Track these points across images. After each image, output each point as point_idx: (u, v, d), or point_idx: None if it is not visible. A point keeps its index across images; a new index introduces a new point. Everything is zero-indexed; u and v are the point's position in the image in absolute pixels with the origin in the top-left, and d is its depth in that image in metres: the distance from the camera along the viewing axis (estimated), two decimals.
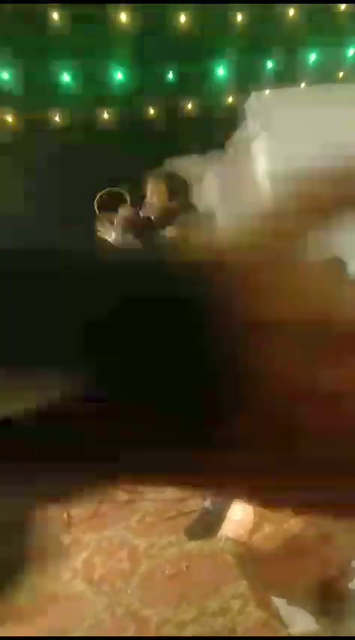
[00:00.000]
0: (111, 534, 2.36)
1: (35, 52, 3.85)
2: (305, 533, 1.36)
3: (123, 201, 2.49)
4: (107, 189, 2.54)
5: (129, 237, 2.30)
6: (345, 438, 0.17)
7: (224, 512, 1.94)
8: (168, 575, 1.89)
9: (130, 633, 1.58)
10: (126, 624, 1.63)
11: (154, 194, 2.40)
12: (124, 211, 2.41)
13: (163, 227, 2.35)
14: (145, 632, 1.57)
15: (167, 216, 2.36)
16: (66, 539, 2.39)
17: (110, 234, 2.46)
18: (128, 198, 2.49)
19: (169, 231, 2.27)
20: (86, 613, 1.73)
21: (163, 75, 4.30)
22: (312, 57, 4.50)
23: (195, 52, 4.22)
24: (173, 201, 2.37)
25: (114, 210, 2.44)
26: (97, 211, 2.55)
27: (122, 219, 2.39)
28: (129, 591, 1.83)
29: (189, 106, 4.78)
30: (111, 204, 2.47)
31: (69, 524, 2.55)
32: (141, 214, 2.43)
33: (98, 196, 2.54)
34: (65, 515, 2.59)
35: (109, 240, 2.49)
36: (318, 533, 1.37)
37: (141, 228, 2.37)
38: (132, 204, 2.46)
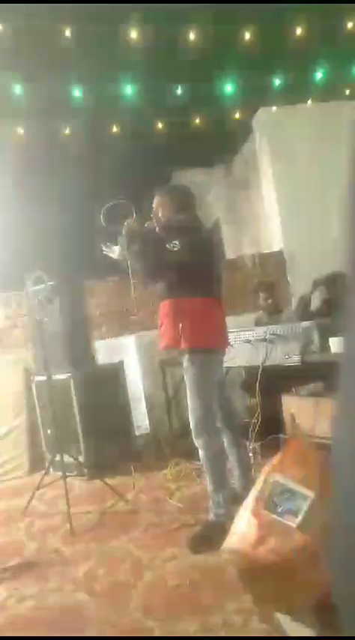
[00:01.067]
0: (114, 545, 2.36)
1: (46, 67, 3.93)
2: (309, 547, 1.36)
3: (129, 213, 2.53)
4: (113, 202, 2.57)
5: (135, 248, 2.34)
6: None
7: (227, 524, 1.94)
8: (170, 588, 1.89)
9: None
10: (128, 635, 1.63)
11: (160, 207, 2.45)
12: (130, 223, 2.45)
13: (170, 239, 2.39)
14: None
15: (173, 229, 2.40)
16: (69, 550, 2.39)
17: (113, 251, 2.51)
18: (134, 210, 2.53)
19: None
20: (88, 624, 1.73)
21: (172, 90, 4.37)
22: (319, 74, 4.56)
23: (203, 68, 4.30)
24: (179, 214, 2.41)
25: (121, 222, 2.48)
26: (104, 223, 2.58)
27: (128, 230, 2.43)
28: (131, 603, 1.83)
29: (197, 120, 4.84)
30: (117, 217, 2.51)
31: (72, 534, 2.56)
32: (147, 226, 2.47)
33: (104, 208, 2.57)
34: (68, 526, 2.60)
35: (113, 256, 2.54)
36: (321, 548, 1.37)
37: (148, 239, 2.41)
38: (139, 217, 2.50)
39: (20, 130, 4.36)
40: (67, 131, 4.54)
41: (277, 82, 4.54)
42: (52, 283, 3.33)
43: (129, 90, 4.24)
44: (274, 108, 5.24)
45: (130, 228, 2.44)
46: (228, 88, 4.44)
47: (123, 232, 2.44)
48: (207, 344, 2.33)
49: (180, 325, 2.29)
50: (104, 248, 2.59)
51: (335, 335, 2.67)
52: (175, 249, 2.24)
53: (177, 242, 2.26)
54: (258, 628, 1.55)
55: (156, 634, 1.61)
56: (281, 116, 5.29)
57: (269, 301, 3.95)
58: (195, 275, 2.30)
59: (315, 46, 4.24)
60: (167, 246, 2.27)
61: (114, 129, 4.67)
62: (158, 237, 2.40)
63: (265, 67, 4.44)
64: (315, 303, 3.98)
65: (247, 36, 3.92)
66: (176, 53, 4.01)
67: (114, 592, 1.93)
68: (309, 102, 5.16)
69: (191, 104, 4.58)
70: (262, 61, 4.31)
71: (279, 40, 4.09)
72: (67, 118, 4.49)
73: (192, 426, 2.34)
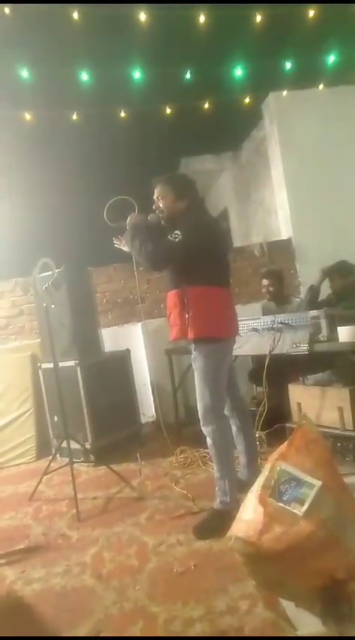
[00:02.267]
0: (120, 531, 2.38)
1: (53, 51, 3.88)
2: (314, 535, 1.35)
3: (131, 208, 2.53)
4: (115, 199, 2.57)
5: (137, 243, 2.34)
6: None
7: (233, 512, 1.94)
8: (176, 573, 1.91)
9: (138, 628, 1.59)
10: (134, 620, 1.65)
11: (161, 197, 2.43)
12: (132, 219, 2.46)
13: (173, 227, 2.37)
14: (153, 628, 1.59)
15: (175, 218, 2.39)
16: (75, 535, 2.42)
17: (123, 244, 2.54)
18: (136, 205, 2.53)
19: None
20: (94, 607, 1.75)
21: (181, 74, 4.30)
22: (331, 58, 4.46)
23: (213, 52, 4.22)
24: (179, 202, 2.39)
25: (124, 218, 2.49)
26: (107, 221, 2.59)
27: (131, 225, 2.44)
28: (137, 587, 1.85)
29: (206, 105, 4.77)
30: (120, 213, 2.51)
31: (78, 519, 2.58)
32: (150, 219, 2.46)
33: (107, 206, 2.57)
34: (74, 511, 2.63)
35: (125, 249, 2.56)
36: (327, 537, 1.36)
37: (151, 231, 2.40)
38: (141, 211, 2.49)
39: (27, 115, 4.32)
40: (75, 116, 4.49)
41: (288, 65, 4.44)
42: (59, 270, 3.32)
43: (137, 74, 4.17)
44: (284, 92, 5.14)
45: (133, 223, 2.44)
46: (238, 72, 4.35)
47: (127, 227, 2.44)
48: (215, 333, 2.32)
49: (187, 315, 2.28)
50: (115, 241, 2.60)
51: (343, 324, 2.65)
52: (177, 239, 2.22)
53: (178, 232, 2.23)
54: (262, 614, 1.56)
55: (161, 619, 1.62)
56: (291, 101, 5.19)
57: (277, 290, 3.92)
58: (200, 264, 2.28)
59: (327, 30, 4.14)
60: (169, 237, 2.25)
61: (123, 113, 4.61)
62: (161, 229, 2.39)
63: (275, 50, 4.34)
64: (324, 292, 3.95)
65: (258, 19, 3.84)
66: (185, 36, 3.94)
67: (119, 576, 1.94)
68: (320, 86, 5.06)
69: (200, 89, 4.51)
70: (272, 45, 4.21)
71: (290, 23, 4.00)
72: (74, 103, 4.44)
73: (200, 414, 2.34)
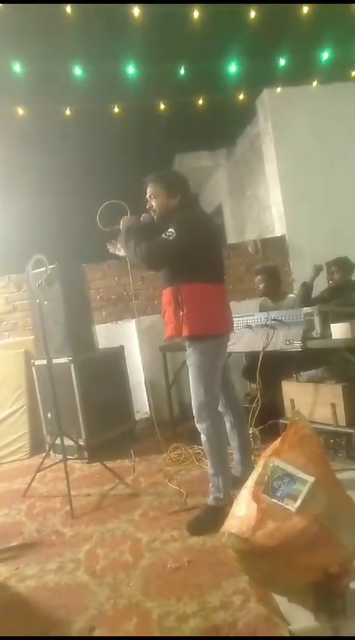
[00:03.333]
0: (114, 527, 2.39)
1: (47, 45, 3.85)
2: (307, 531, 1.36)
3: (124, 211, 2.53)
4: (106, 203, 2.57)
5: (132, 244, 2.34)
6: None
7: (227, 508, 1.95)
8: (170, 569, 1.91)
9: (132, 625, 1.60)
10: (128, 615, 1.65)
11: (152, 196, 2.43)
12: (125, 222, 2.46)
13: (167, 224, 2.38)
14: (147, 624, 1.59)
15: (169, 214, 2.39)
16: (69, 531, 2.42)
17: (119, 248, 2.55)
18: (128, 208, 2.53)
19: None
20: (88, 603, 1.76)
21: (175, 69, 4.28)
22: (325, 55, 4.46)
23: (207, 47, 4.20)
24: (171, 199, 2.39)
25: (117, 222, 2.49)
26: (100, 226, 2.59)
27: (124, 227, 2.44)
28: (131, 584, 1.85)
29: (200, 101, 4.76)
30: (113, 217, 2.52)
31: (72, 516, 2.58)
32: (143, 219, 2.46)
33: (99, 211, 2.57)
34: (68, 508, 2.62)
35: (119, 254, 2.58)
36: (320, 532, 1.37)
37: (147, 231, 2.40)
38: (134, 211, 2.49)
39: (20, 110, 4.28)
40: (68, 111, 4.46)
41: (282, 62, 4.44)
42: (52, 267, 3.31)
43: (131, 70, 4.15)
44: (279, 89, 5.14)
45: (126, 225, 2.43)
46: (232, 68, 4.34)
47: (120, 229, 2.44)
48: (210, 331, 2.32)
49: (181, 313, 2.28)
50: (109, 246, 2.61)
51: (336, 321, 2.66)
52: (171, 237, 2.22)
53: (172, 230, 2.23)
54: (255, 609, 1.57)
55: (155, 615, 1.63)
56: (285, 98, 5.19)
57: (272, 286, 3.93)
58: (194, 261, 2.27)
59: (321, 27, 4.14)
60: (163, 236, 2.24)
61: (116, 109, 4.59)
62: (154, 228, 2.38)
63: (270, 47, 4.34)
64: (317, 289, 3.96)
65: (252, 15, 3.83)
66: (179, 32, 3.92)
67: (113, 573, 1.95)
68: (314, 83, 5.06)
69: (194, 85, 4.49)
70: (267, 41, 4.21)
71: (284, 20, 4.00)
72: (67, 98, 4.41)
73: (194, 410, 2.35)
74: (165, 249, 2.24)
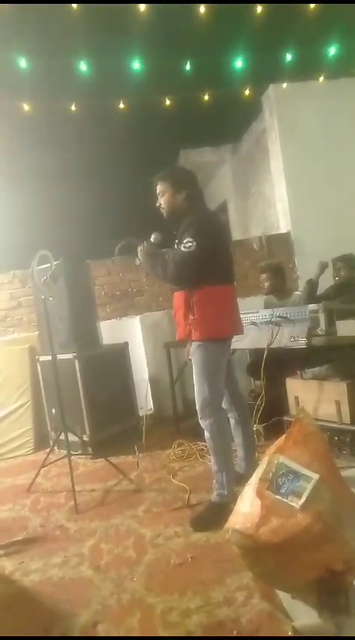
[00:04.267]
0: (117, 523, 2.39)
1: (52, 40, 3.84)
2: (311, 528, 1.36)
3: (140, 243, 2.56)
4: (123, 241, 2.59)
5: (159, 269, 2.35)
6: None
7: (230, 504, 1.95)
8: (173, 565, 1.92)
9: (136, 620, 1.60)
10: (131, 611, 1.66)
11: (161, 194, 2.44)
12: (143, 250, 2.45)
13: (176, 221, 2.39)
14: (150, 619, 1.60)
15: (176, 210, 2.40)
16: (73, 526, 2.43)
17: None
18: (138, 241, 2.56)
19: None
20: (92, 598, 1.76)
21: (180, 65, 4.26)
22: (332, 50, 4.42)
23: (213, 43, 4.18)
24: (178, 195, 2.40)
25: (129, 251, 2.54)
26: (118, 255, 2.63)
27: (145, 257, 2.43)
28: (135, 579, 1.86)
29: (206, 97, 4.73)
30: (130, 249, 2.57)
31: (76, 511, 2.59)
32: (154, 239, 2.48)
33: (116, 249, 2.60)
34: (72, 503, 2.64)
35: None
36: (324, 529, 1.37)
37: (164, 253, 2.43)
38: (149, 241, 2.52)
39: (25, 106, 4.28)
40: (73, 107, 4.45)
41: (288, 57, 4.41)
42: (57, 263, 3.31)
43: (136, 65, 4.14)
44: (285, 85, 5.11)
45: (145, 252, 2.44)
46: (238, 63, 4.31)
47: (141, 259, 2.46)
48: (219, 334, 2.34)
49: (192, 317, 2.28)
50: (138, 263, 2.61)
51: (342, 318, 2.65)
52: (192, 248, 2.21)
53: (190, 239, 2.23)
54: (259, 605, 1.57)
55: (159, 610, 1.64)
56: (292, 93, 5.16)
57: (277, 284, 3.91)
58: (210, 265, 2.27)
59: (328, 22, 4.10)
60: (183, 249, 2.24)
61: (121, 105, 4.58)
62: (173, 247, 2.39)
63: (276, 42, 4.31)
64: (322, 286, 3.95)
65: (258, 10, 3.80)
66: (185, 27, 3.90)
67: (117, 568, 1.96)
68: (321, 79, 5.03)
69: (200, 80, 4.47)
70: (273, 36, 4.18)
71: (291, 15, 3.96)
72: (73, 94, 4.40)
73: (197, 407, 2.35)
74: (191, 261, 2.24)
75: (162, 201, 2.44)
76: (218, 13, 3.79)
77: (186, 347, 2.43)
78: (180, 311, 2.37)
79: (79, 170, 5.77)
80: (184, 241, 2.24)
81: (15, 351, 4.20)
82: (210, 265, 2.27)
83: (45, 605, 1.79)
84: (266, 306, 3.88)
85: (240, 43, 4.23)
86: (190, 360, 2.44)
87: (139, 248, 2.46)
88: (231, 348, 2.54)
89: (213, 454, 2.36)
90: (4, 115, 4.43)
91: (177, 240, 2.36)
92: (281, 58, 4.42)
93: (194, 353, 2.35)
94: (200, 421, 2.36)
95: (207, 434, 2.35)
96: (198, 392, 2.34)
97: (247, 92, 4.83)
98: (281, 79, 5.04)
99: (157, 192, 2.45)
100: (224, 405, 2.47)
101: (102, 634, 1.57)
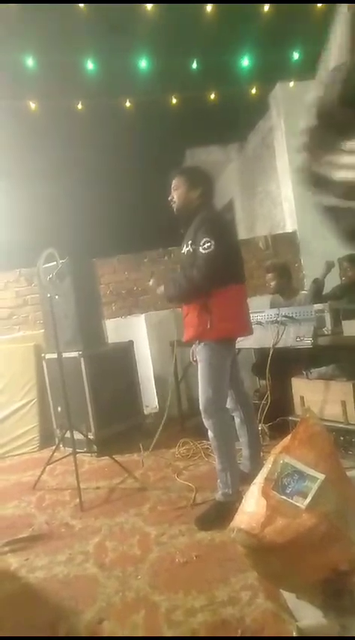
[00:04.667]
0: (122, 521, 2.40)
1: (59, 40, 3.85)
2: (317, 528, 1.36)
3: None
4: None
5: (179, 286, 2.37)
6: None
7: (235, 504, 1.95)
8: (178, 564, 1.92)
9: (140, 617, 1.61)
10: (136, 608, 1.66)
11: (175, 187, 2.45)
12: (155, 288, 2.55)
13: (185, 217, 2.41)
14: (155, 617, 1.60)
15: (187, 206, 2.41)
16: (78, 524, 2.44)
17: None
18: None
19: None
20: (97, 595, 1.77)
21: (187, 63, 4.26)
22: None
23: (219, 42, 4.17)
24: (191, 192, 2.40)
25: None
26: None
27: (161, 292, 2.52)
28: (139, 577, 1.86)
29: (212, 95, 4.73)
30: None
31: (81, 508, 2.60)
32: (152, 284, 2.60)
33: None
34: (77, 501, 2.64)
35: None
36: (330, 530, 1.37)
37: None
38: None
39: (32, 105, 4.29)
40: (80, 106, 4.46)
41: (295, 56, 4.39)
42: (63, 261, 3.31)
43: (143, 64, 4.14)
44: (292, 83, 5.09)
45: (157, 288, 2.53)
46: (245, 62, 4.31)
47: (161, 294, 2.53)
48: (233, 334, 2.36)
49: (208, 317, 2.28)
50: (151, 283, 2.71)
51: (348, 318, 2.64)
52: (211, 249, 2.20)
53: (207, 239, 2.22)
54: (263, 605, 1.57)
55: (163, 608, 1.64)
56: (299, 92, 5.14)
57: (283, 283, 3.90)
58: (226, 264, 2.27)
59: (336, 19, 4.08)
60: (202, 251, 2.23)
61: (128, 103, 4.58)
62: (189, 256, 2.36)
63: (283, 40, 4.29)
64: (328, 285, 3.93)
65: (265, 8, 3.79)
66: (191, 26, 3.90)
67: (122, 566, 1.96)
68: None
69: (206, 79, 4.47)
70: (280, 35, 4.17)
71: (298, 13, 3.95)
72: (79, 92, 4.41)
73: (202, 406, 2.35)
74: (213, 262, 2.22)
75: (174, 195, 2.45)
76: (224, 12, 3.79)
77: (191, 348, 2.43)
78: (193, 312, 2.35)
79: (85, 169, 5.78)
80: (201, 242, 2.23)
81: (21, 349, 4.22)
82: (227, 264, 2.27)
83: (50, 601, 1.80)
84: (272, 305, 3.87)
85: (247, 42, 4.22)
86: (195, 361, 2.44)
87: (158, 288, 2.54)
88: (236, 347, 2.54)
89: (216, 453, 2.36)
90: (11, 114, 4.44)
91: (190, 241, 2.33)
92: (289, 57, 4.41)
93: (199, 352, 2.35)
94: (204, 420, 2.36)
95: (210, 433, 2.35)
96: (202, 391, 2.34)
97: (254, 91, 4.82)
98: (288, 78, 5.02)
99: (172, 185, 2.46)
100: (229, 404, 2.47)
101: (107, 631, 1.57)
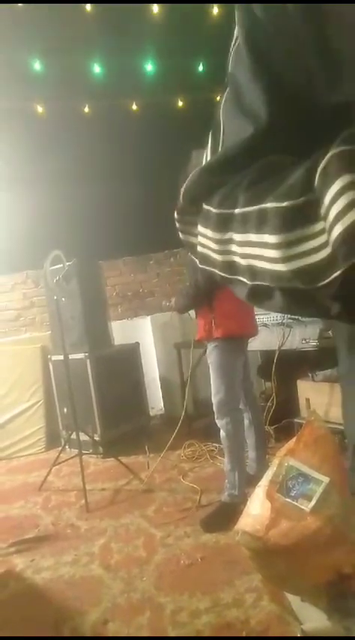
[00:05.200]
0: (128, 522, 2.41)
1: (66, 43, 3.88)
2: (321, 531, 1.36)
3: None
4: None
5: (186, 294, 2.41)
6: None
7: (241, 506, 1.95)
8: (183, 565, 1.93)
9: (145, 618, 1.61)
10: (141, 609, 1.67)
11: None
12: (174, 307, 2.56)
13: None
14: (160, 618, 1.61)
15: None
16: (84, 525, 2.45)
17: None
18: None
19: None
20: (102, 596, 1.78)
21: (193, 66, 4.27)
22: None
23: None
24: None
25: None
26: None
27: (177, 306, 2.55)
28: (144, 578, 1.87)
29: (219, 97, 4.73)
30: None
31: (87, 510, 2.62)
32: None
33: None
34: (83, 502, 2.66)
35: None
36: (334, 532, 1.37)
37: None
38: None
39: (39, 107, 4.32)
40: (86, 108, 4.49)
41: None
42: (69, 263, 3.33)
43: (149, 66, 4.16)
44: None
45: (174, 305, 2.55)
46: None
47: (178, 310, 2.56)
48: (238, 332, 2.36)
49: (212, 316, 2.30)
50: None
51: None
52: None
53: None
54: (268, 607, 1.57)
55: (168, 609, 1.65)
56: None
57: None
58: None
59: None
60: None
61: (134, 106, 4.60)
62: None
63: None
64: None
65: None
66: (198, 27, 3.91)
67: (127, 567, 1.97)
68: None
69: (213, 80, 4.47)
70: None
71: (307, 2, 3.95)
72: (86, 95, 4.43)
73: (214, 407, 2.36)
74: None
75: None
76: (231, 13, 3.79)
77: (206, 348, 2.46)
78: (200, 313, 2.40)
79: (91, 171, 5.80)
80: None
81: (27, 351, 4.24)
82: None
83: (55, 602, 1.81)
84: None
85: None
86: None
87: (172, 306, 2.56)
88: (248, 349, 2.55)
89: (226, 453, 2.37)
90: (17, 116, 4.47)
91: None
92: None
93: (210, 354, 2.37)
94: (216, 420, 2.37)
95: (222, 433, 2.36)
96: (214, 392, 2.35)
97: None
98: None
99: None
100: (240, 405, 2.47)
101: (111, 632, 1.58)
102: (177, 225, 0.58)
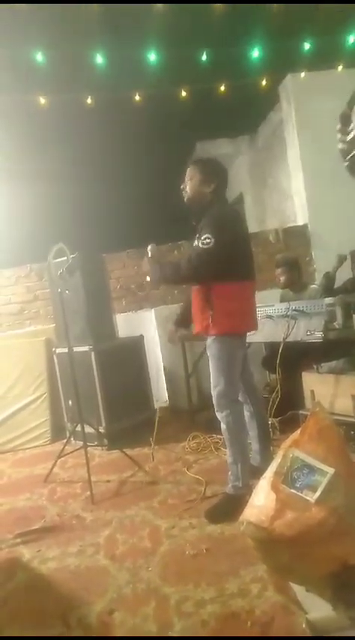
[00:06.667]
0: (133, 514, 2.42)
1: (68, 34, 3.84)
2: (326, 522, 1.36)
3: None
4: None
5: (169, 271, 2.33)
6: None
7: (245, 497, 1.96)
8: (188, 556, 1.94)
9: (151, 609, 1.63)
10: (146, 600, 1.68)
11: (189, 177, 2.44)
12: (147, 265, 2.45)
13: (195, 209, 2.40)
14: (165, 608, 1.62)
15: (198, 200, 2.39)
16: (89, 516, 2.47)
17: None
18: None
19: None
20: (108, 587, 1.79)
21: (196, 56, 4.22)
22: (351, 39, 4.33)
23: (229, 33, 4.13)
24: (203, 187, 2.39)
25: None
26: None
27: (153, 271, 2.43)
28: (150, 569, 1.88)
29: (222, 87, 4.68)
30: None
31: (92, 501, 2.63)
32: (150, 252, 2.49)
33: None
34: (88, 493, 2.67)
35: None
36: (339, 523, 1.37)
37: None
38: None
39: (41, 99, 4.29)
40: (89, 100, 4.45)
41: (306, 46, 4.33)
42: (73, 256, 3.33)
43: (152, 57, 4.11)
44: (303, 74, 5.02)
45: (149, 261, 2.44)
46: (255, 53, 4.25)
47: (152, 277, 2.43)
48: (236, 329, 2.35)
49: (210, 312, 2.28)
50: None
51: None
52: (210, 245, 2.19)
53: (208, 235, 2.20)
54: (273, 597, 1.58)
55: (173, 600, 1.66)
56: (309, 83, 5.07)
57: (293, 278, 3.88)
58: (228, 262, 2.26)
59: (347, 8, 4.01)
60: (201, 245, 2.22)
61: (137, 97, 4.56)
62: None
63: (293, 30, 4.23)
64: (340, 279, 3.90)
65: None
66: (201, 17, 3.86)
67: (132, 558, 1.98)
68: (340, 67, 4.93)
69: (216, 71, 4.42)
70: (290, 25, 4.10)
71: (309, 2, 3.89)
72: (88, 86, 4.40)
73: (214, 399, 2.36)
74: (207, 258, 2.21)
75: (187, 184, 2.43)
76: (234, 2, 3.74)
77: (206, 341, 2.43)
78: (197, 307, 2.38)
79: (94, 163, 5.78)
80: (202, 237, 2.22)
81: (32, 344, 4.26)
82: (229, 262, 2.25)
83: (61, 592, 1.83)
84: (283, 299, 3.85)
85: (257, 33, 4.16)
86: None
87: (151, 267, 2.42)
88: (247, 341, 2.54)
89: (228, 445, 2.37)
90: (20, 109, 4.45)
91: (197, 235, 2.33)
92: (299, 47, 4.34)
93: (210, 346, 2.36)
94: (216, 413, 2.37)
95: (223, 425, 2.36)
96: (214, 384, 2.35)
97: (264, 82, 4.76)
98: (299, 69, 4.95)
99: (187, 174, 2.44)
100: (239, 397, 2.47)
101: (117, 622, 1.59)
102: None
